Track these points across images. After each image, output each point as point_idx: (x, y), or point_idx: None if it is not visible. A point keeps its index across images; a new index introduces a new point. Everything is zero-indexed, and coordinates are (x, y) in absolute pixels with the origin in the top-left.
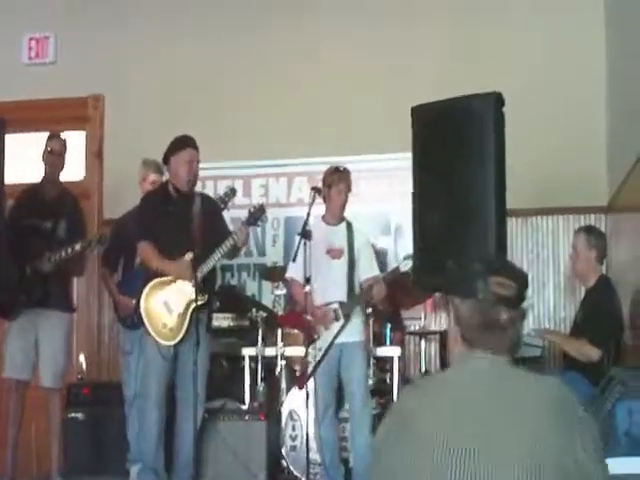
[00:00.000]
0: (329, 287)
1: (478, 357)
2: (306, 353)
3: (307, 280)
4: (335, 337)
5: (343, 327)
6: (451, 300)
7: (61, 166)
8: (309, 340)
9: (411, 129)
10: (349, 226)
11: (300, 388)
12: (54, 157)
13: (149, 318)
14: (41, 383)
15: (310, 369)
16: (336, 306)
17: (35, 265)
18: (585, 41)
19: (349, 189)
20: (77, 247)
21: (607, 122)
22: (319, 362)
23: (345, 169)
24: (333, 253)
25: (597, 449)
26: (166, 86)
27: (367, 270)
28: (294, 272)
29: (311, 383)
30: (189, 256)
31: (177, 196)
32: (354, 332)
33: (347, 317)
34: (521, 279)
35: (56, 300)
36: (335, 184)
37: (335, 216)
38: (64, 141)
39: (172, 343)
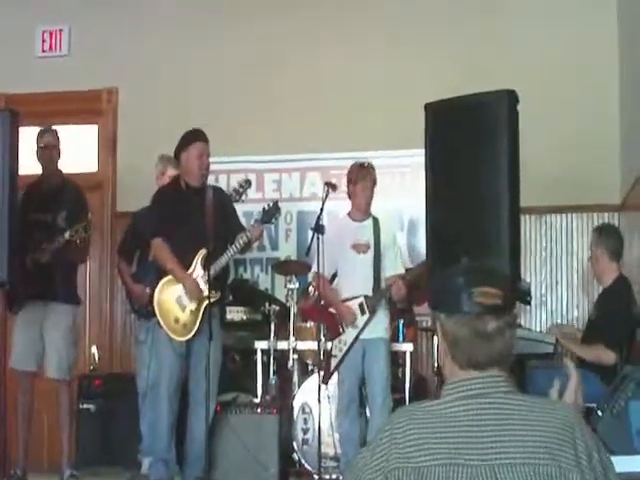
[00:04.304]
0: (355, 282)
1: (468, 386)
2: (331, 347)
3: (333, 276)
4: (360, 332)
5: (368, 322)
6: (437, 316)
7: (57, 158)
8: (335, 334)
9: (424, 126)
10: (376, 222)
11: (324, 383)
12: (48, 152)
13: (162, 313)
14: (48, 375)
15: (334, 363)
16: (361, 300)
17: (34, 257)
18: (599, 40)
19: (375, 184)
20: (66, 236)
21: (620, 120)
22: (344, 357)
23: (369, 164)
24: (359, 248)
25: (607, 467)
26: (180, 80)
27: (391, 268)
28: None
29: (333, 377)
30: (201, 255)
31: (189, 191)
32: (379, 329)
33: (372, 311)
34: (506, 285)
35: (59, 293)
36: (361, 180)
37: (361, 212)
38: (55, 134)
39: (184, 339)
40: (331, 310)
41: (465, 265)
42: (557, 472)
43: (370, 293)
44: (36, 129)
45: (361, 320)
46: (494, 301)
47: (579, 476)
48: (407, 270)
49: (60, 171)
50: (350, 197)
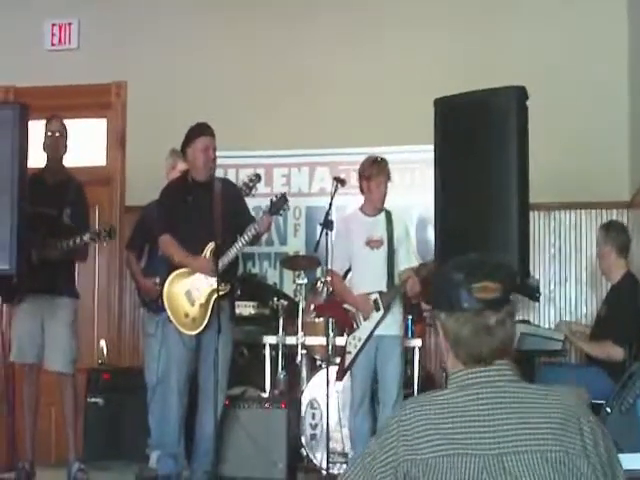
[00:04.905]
0: (369, 278)
1: (474, 375)
2: (346, 343)
3: (347, 272)
4: (375, 328)
5: (383, 318)
6: (437, 315)
7: (63, 149)
8: (349, 330)
9: (433, 121)
10: (388, 216)
11: (339, 379)
12: (54, 139)
13: (171, 307)
14: (51, 368)
15: (348, 360)
16: (376, 296)
17: (42, 252)
18: (608, 37)
19: (389, 179)
20: (85, 238)
21: (630, 117)
22: (358, 353)
23: (383, 159)
24: (373, 244)
25: (611, 454)
26: (189, 74)
27: (405, 261)
28: (336, 264)
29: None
30: (210, 248)
31: (196, 185)
32: (393, 326)
33: (387, 308)
34: (505, 277)
35: (62, 287)
36: (375, 176)
37: (375, 207)
38: (63, 123)
39: (194, 333)
40: (345, 306)
41: (462, 260)
42: (565, 458)
43: (384, 289)
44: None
45: (375, 316)
46: (494, 295)
47: (586, 462)
48: (421, 265)
49: (64, 166)
50: (363, 192)
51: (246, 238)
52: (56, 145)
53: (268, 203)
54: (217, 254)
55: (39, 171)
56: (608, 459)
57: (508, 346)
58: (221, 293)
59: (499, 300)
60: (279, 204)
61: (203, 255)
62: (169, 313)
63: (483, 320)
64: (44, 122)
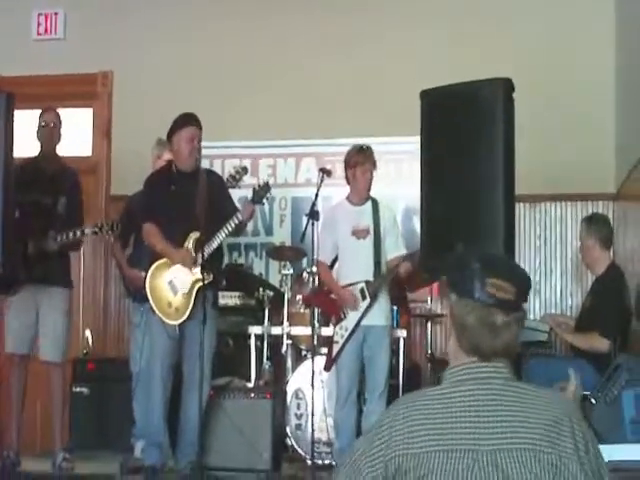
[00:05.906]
0: (356, 268)
1: (470, 370)
2: (333, 333)
3: (333, 262)
4: (362, 317)
5: (370, 307)
6: (449, 294)
7: (57, 139)
8: (336, 319)
9: (420, 113)
10: (375, 204)
11: (327, 370)
12: (48, 130)
13: (154, 298)
14: (43, 357)
15: (336, 350)
16: (362, 285)
17: (40, 243)
18: (595, 27)
19: (374, 168)
20: (87, 232)
21: (616, 109)
22: (345, 343)
23: (369, 147)
24: (359, 234)
25: (600, 460)
26: (175, 64)
27: (393, 249)
28: (323, 254)
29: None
30: (192, 237)
31: (180, 175)
32: (381, 316)
33: (374, 296)
34: (521, 282)
35: (57, 277)
36: (360, 164)
37: (361, 196)
38: (57, 114)
39: (177, 322)
40: (333, 296)
41: (485, 253)
42: (558, 461)
43: (371, 279)
44: (31, 112)
45: (362, 305)
46: (506, 296)
47: (578, 466)
48: (407, 255)
49: (58, 155)
50: (348, 181)
51: (229, 227)
52: (50, 136)
53: (251, 192)
54: (200, 244)
55: (33, 159)
56: (597, 464)
57: (511, 348)
58: (205, 282)
59: (510, 303)
60: (262, 192)
61: (185, 246)
62: (152, 303)
63: (489, 316)
64: (38, 113)
